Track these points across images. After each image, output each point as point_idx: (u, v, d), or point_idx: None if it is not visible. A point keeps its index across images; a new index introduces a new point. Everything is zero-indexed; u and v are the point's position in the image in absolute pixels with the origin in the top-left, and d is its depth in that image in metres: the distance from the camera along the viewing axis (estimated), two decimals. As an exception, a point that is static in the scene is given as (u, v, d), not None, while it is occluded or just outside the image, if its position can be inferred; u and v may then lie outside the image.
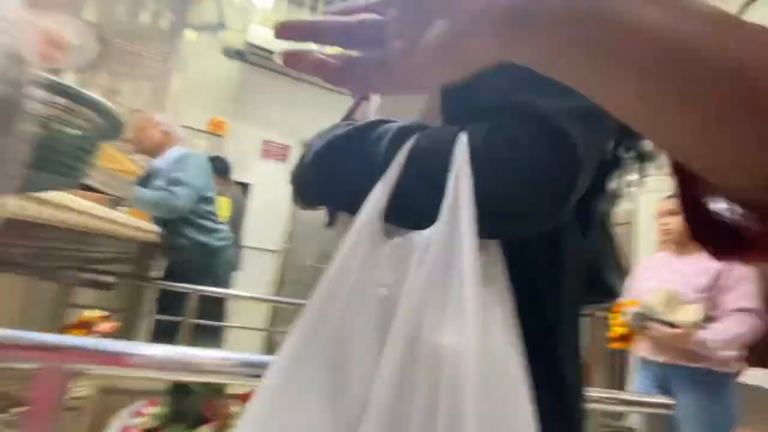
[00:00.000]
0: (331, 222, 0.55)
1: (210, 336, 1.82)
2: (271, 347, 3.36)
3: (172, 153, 1.82)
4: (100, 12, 3.19)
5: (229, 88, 3.45)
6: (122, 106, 3.17)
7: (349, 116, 0.56)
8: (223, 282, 1.92)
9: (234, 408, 1.11)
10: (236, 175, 3.25)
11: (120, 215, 1.12)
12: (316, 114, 3.65)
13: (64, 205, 0.82)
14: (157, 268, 2.05)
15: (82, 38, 3.05)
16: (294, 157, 3.52)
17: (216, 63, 3.44)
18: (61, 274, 1.06)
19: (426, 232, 0.27)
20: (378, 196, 0.28)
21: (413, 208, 0.30)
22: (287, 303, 2.01)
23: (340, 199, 0.38)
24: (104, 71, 3.14)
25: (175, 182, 1.66)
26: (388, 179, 0.29)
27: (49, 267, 1.03)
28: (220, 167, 2.70)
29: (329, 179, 0.37)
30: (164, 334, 1.76)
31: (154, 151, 1.83)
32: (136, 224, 1.34)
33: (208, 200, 1.84)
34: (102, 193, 1.29)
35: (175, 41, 3.30)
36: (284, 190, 3.15)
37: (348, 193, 0.35)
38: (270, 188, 3.44)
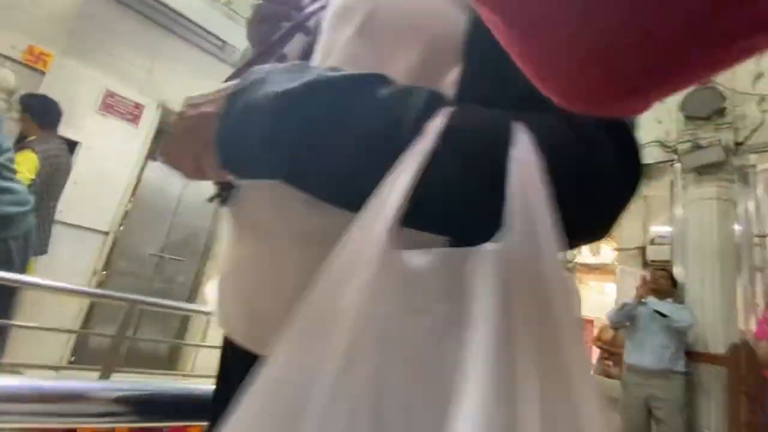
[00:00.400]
0: (223, 197, 0.39)
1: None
2: (81, 356, 2.63)
3: None
4: None
5: (65, 14, 2.63)
6: None
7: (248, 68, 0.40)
8: (17, 265, 1.38)
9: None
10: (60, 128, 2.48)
11: None
12: (187, 77, 3.09)
13: None
14: None
15: None
16: (148, 120, 2.90)
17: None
18: None
19: (493, 246, 0.17)
20: (396, 188, 0.18)
21: (451, 210, 0.22)
22: (110, 297, 1.54)
23: (315, 175, 0.26)
24: None
25: None
26: (412, 164, 0.18)
27: None
28: (41, 110, 2.00)
29: (304, 142, 0.25)
30: None
31: None
32: None
33: None
34: None
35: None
36: (126, 156, 2.63)
37: (334, 169, 0.25)
38: (106, 152, 2.74)
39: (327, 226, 0.25)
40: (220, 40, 3.13)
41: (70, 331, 2.42)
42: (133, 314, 1.50)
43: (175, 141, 0.31)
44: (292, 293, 0.22)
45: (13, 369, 1.45)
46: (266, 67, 0.29)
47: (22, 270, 1.40)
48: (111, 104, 2.75)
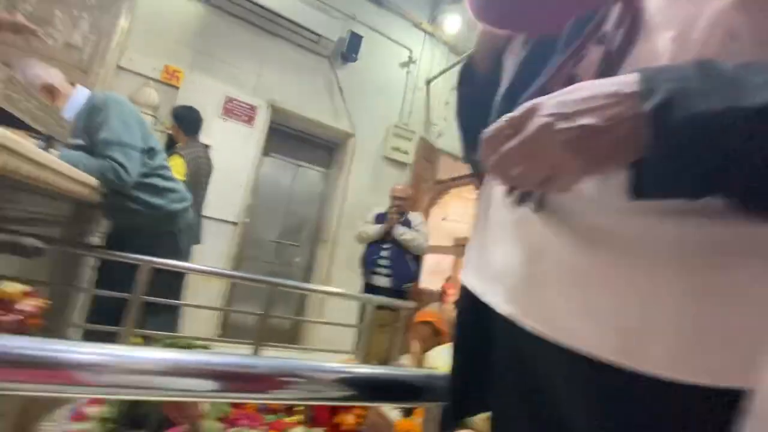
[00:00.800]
0: (523, 197, 0.39)
1: (164, 318, 1.55)
2: (226, 331, 3.09)
3: (77, 100, 1.42)
4: None
5: (191, 33, 3.01)
6: (55, 39, 2.63)
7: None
8: (184, 254, 1.64)
9: (206, 407, 0.91)
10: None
11: (57, 161, 0.84)
12: (290, 75, 3.32)
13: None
14: (97, 233, 1.72)
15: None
16: (261, 119, 3.20)
17: (178, 3, 2.97)
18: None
19: None
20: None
21: None
22: (253, 280, 1.74)
23: None
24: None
25: (105, 144, 1.32)
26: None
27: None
28: (187, 119, 2.35)
29: None
30: (104, 314, 1.47)
31: (54, 102, 1.43)
32: (77, 175, 1.05)
33: (151, 152, 1.50)
34: (32, 130, 0.98)
35: (123, -32, 2.77)
36: (245, 154, 2.89)
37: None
38: (230, 152, 3.09)
39: (729, 240, 0.26)
40: (316, 34, 3.26)
41: (224, 309, 2.86)
42: (273, 295, 1.69)
43: (524, 153, 0.30)
44: (675, 312, 0.25)
45: (190, 343, 1.77)
46: (686, 70, 0.26)
47: (187, 258, 1.67)
48: (230, 108, 3.08)
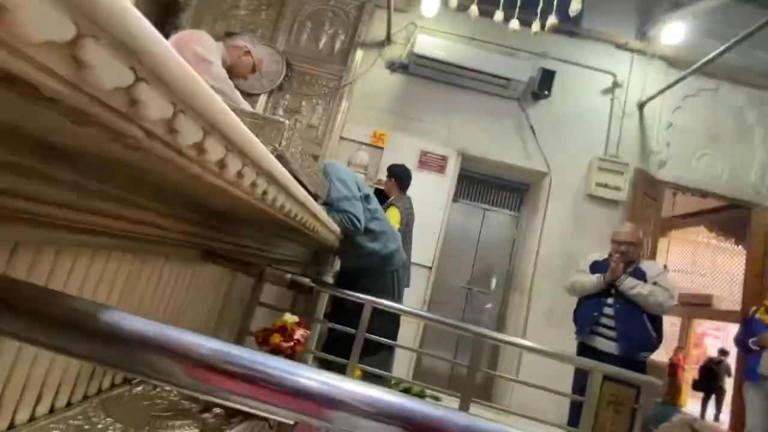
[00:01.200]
0: None
1: (381, 356, 1.66)
2: (418, 374, 3.14)
3: None
4: (289, 42, 3.61)
5: (392, 100, 3.48)
6: (301, 123, 3.50)
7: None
8: (399, 297, 1.76)
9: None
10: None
11: (324, 214, 1.02)
12: (479, 123, 3.39)
13: (289, 192, 0.70)
14: (330, 273, 2.03)
15: (276, 66, 3.49)
16: (451, 168, 3.33)
17: (381, 77, 3.51)
18: (257, 269, 1.02)
19: None
20: None
21: None
22: (461, 329, 1.64)
23: None
24: (288, 92, 3.51)
25: (337, 201, 1.56)
26: None
27: (248, 261, 0.96)
28: (402, 176, 2.69)
29: None
30: (338, 347, 1.67)
31: None
32: (330, 225, 1.25)
33: (367, 198, 1.71)
34: (305, 188, 1.24)
35: (347, 61, 3.50)
36: (437, 201, 2.93)
37: None
38: (424, 200, 3.28)
39: None
40: (504, 78, 3.26)
41: (453, 362, 2.92)
42: (478, 346, 1.60)
43: None
44: None
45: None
46: None
47: (401, 300, 1.78)
48: (424, 161, 3.33)
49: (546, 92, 3.32)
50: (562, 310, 3.03)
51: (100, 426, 0.81)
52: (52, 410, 0.84)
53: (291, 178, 0.68)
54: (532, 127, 3.36)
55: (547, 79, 3.31)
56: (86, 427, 0.79)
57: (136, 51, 0.27)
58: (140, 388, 1.03)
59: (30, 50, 0.22)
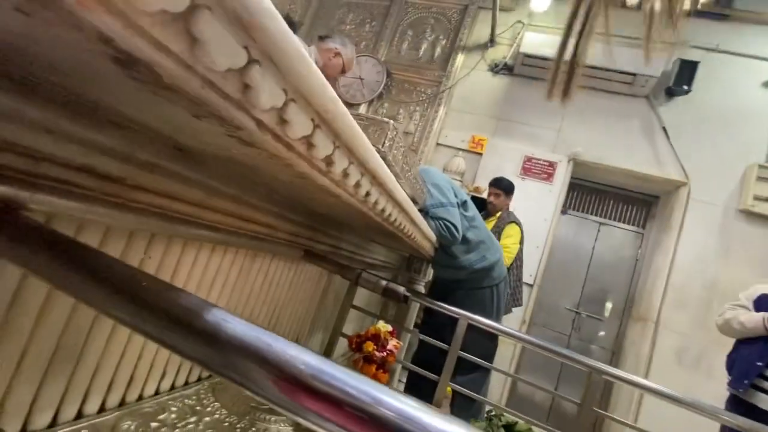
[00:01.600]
0: None
1: (475, 377, 1.53)
2: (512, 401, 2.87)
3: None
4: (390, 51, 3.69)
5: (494, 104, 3.30)
6: (396, 129, 3.54)
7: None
8: (500, 314, 1.62)
9: None
10: (492, 195, 3.02)
11: (421, 219, 0.97)
12: (595, 125, 3.01)
13: (392, 195, 0.66)
14: (421, 282, 1.97)
15: (377, 75, 3.60)
16: (560, 175, 3.01)
17: (483, 80, 3.36)
18: (353, 273, 1.01)
19: None
20: None
21: None
22: (571, 359, 1.37)
23: None
24: (387, 101, 3.59)
25: (433, 208, 1.47)
26: None
27: (346, 265, 0.94)
28: (511, 189, 2.59)
29: None
30: (427, 361, 1.59)
31: None
32: (428, 232, 1.19)
33: (465, 204, 1.58)
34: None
35: (446, 66, 3.44)
36: (542, 212, 2.63)
37: None
38: (526, 211, 3.02)
39: None
40: (629, 74, 2.84)
41: (550, 391, 2.69)
42: (595, 382, 1.36)
43: None
44: None
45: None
46: None
47: (501, 314, 1.63)
48: (528, 167, 3.07)
49: (685, 87, 2.79)
50: (699, 350, 2.49)
51: (209, 409, 0.87)
52: (173, 387, 0.94)
53: (395, 181, 0.63)
54: (664, 129, 2.85)
55: (686, 71, 2.78)
56: (197, 408, 0.86)
57: (251, 26, 0.24)
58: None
59: (144, 21, 0.20)
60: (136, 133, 0.58)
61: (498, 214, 2.58)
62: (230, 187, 0.82)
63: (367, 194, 0.57)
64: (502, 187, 2.58)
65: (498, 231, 2.48)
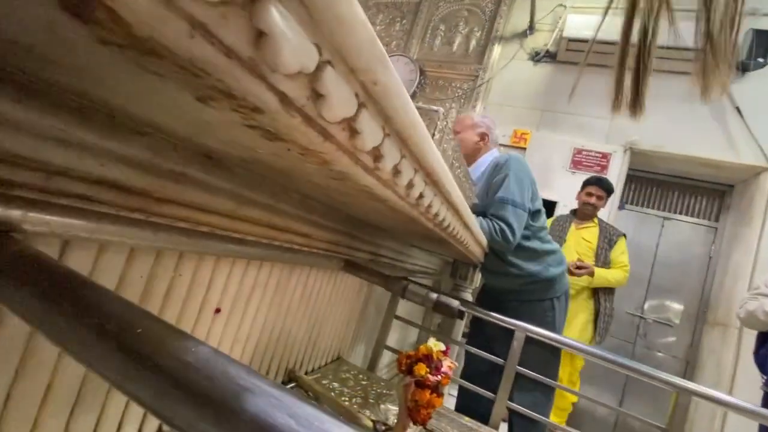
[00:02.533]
0: None
1: (537, 398, 1.37)
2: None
3: (486, 160, 1.50)
4: (422, 48, 3.58)
5: (536, 95, 3.09)
6: (447, 120, 3.41)
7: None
8: (559, 327, 1.45)
9: None
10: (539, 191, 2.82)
11: (477, 227, 0.85)
12: (655, 109, 2.73)
13: (448, 199, 0.55)
14: (469, 290, 1.83)
15: (410, 74, 3.50)
16: (615, 167, 2.75)
17: (523, 71, 3.16)
18: (399, 285, 0.91)
19: None
20: None
21: None
22: (647, 375, 1.16)
23: None
24: (421, 99, 3.47)
25: (500, 203, 1.31)
26: None
27: (390, 275, 0.84)
28: (612, 189, 2.38)
29: None
30: (476, 375, 1.45)
31: (469, 157, 1.53)
32: (480, 237, 1.06)
33: (536, 214, 1.42)
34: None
35: (482, 59, 3.27)
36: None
37: None
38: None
39: None
40: (692, 50, 2.54)
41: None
42: (681, 405, 1.16)
43: None
44: None
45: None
46: None
47: (561, 329, 1.47)
48: (579, 160, 2.83)
49: (761, 60, 2.45)
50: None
51: None
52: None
53: (452, 180, 0.52)
54: (738, 109, 2.52)
55: (762, 42, 2.45)
56: None
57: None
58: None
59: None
60: (158, 141, 0.51)
61: (595, 221, 2.37)
62: (262, 195, 0.75)
63: (421, 196, 0.47)
64: (606, 187, 2.33)
65: (608, 243, 2.28)
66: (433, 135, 0.64)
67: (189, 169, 0.58)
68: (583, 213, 2.37)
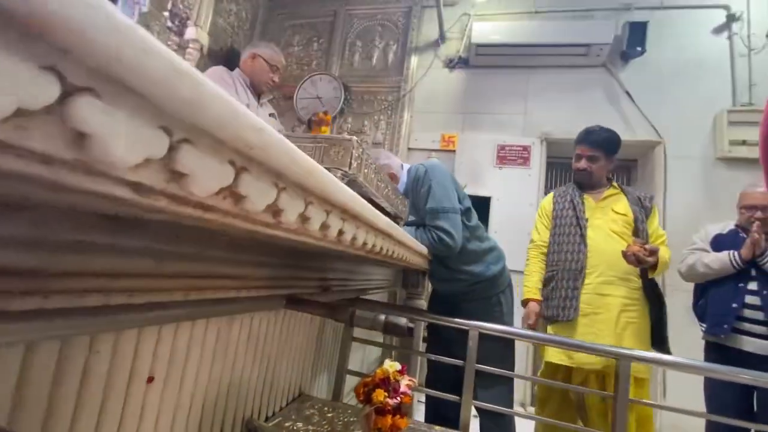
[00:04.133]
0: None
1: (498, 391, 1.41)
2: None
3: (404, 177, 1.52)
4: (343, 65, 3.62)
5: (456, 100, 3.26)
6: (366, 142, 3.45)
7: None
8: (508, 316, 1.51)
9: None
10: (473, 189, 2.95)
11: (414, 241, 0.86)
12: (559, 102, 2.99)
13: (368, 222, 0.55)
14: (422, 297, 1.85)
15: (334, 92, 3.52)
16: (536, 157, 2.96)
17: (440, 78, 3.32)
18: (346, 313, 0.89)
19: None
20: None
21: None
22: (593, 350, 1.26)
23: None
24: (350, 115, 3.50)
25: (431, 213, 1.34)
26: None
27: (336, 305, 0.83)
28: (608, 142, 1.81)
29: None
30: (440, 380, 1.47)
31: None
32: (419, 249, 1.08)
33: (468, 213, 1.46)
34: (387, 213, 1.10)
35: (402, 70, 3.38)
36: (527, 198, 2.55)
37: None
38: (510, 199, 2.96)
39: None
40: (582, 46, 2.84)
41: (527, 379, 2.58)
42: (623, 372, 1.27)
43: None
44: None
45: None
46: None
47: (511, 320, 1.53)
48: (504, 155, 3.02)
49: (638, 49, 2.80)
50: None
51: None
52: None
53: (373, 210, 0.52)
54: (628, 93, 2.85)
55: (637, 33, 2.80)
56: None
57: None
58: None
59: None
60: (43, 212, 0.46)
61: (616, 185, 1.79)
62: (184, 245, 0.70)
63: (341, 233, 0.46)
64: (596, 141, 1.74)
65: (643, 211, 1.70)
66: (350, 165, 0.63)
67: (90, 236, 0.53)
68: (580, 184, 1.82)
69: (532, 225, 2.05)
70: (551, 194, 1.97)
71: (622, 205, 1.73)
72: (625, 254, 1.54)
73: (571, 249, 1.75)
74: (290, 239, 0.39)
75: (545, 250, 1.90)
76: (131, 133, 0.17)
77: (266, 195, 0.28)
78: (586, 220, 1.74)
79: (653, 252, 1.51)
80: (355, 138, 0.64)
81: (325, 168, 0.69)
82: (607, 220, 1.71)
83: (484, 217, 2.95)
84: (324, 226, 0.41)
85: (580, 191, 1.83)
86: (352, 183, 0.67)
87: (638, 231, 1.68)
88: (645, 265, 1.55)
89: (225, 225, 0.30)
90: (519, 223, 2.89)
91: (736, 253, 1.74)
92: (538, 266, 1.89)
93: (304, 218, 0.36)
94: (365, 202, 0.49)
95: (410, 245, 0.87)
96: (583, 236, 1.72)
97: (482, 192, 2.99)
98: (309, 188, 0.34)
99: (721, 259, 1.77)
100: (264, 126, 0.25)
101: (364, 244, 0.56)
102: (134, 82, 0.16)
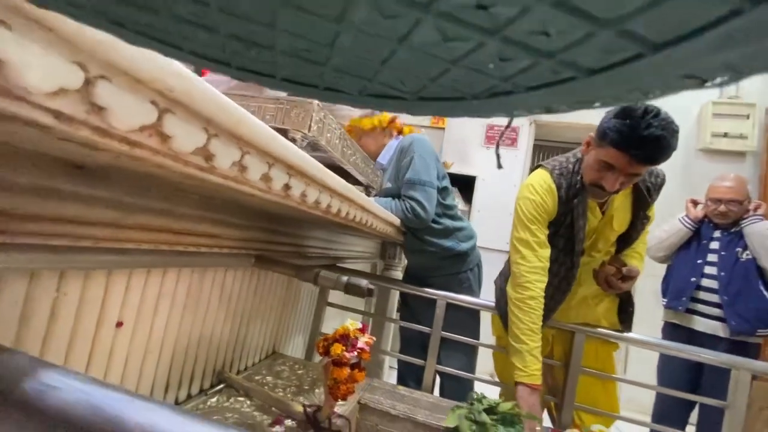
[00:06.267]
0: None
1: (459, 358, 1.50)
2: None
3: (392, 147, 1.55)
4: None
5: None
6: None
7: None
8: (476, 292, 1.58)
9: None
10: (459, 168, 2.98)
11: (379, 207, 0.90)
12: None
13: (319, 181, 0.59)
14: (399, 269, 1.92)
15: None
16: (524, 139, 2.99)
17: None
18: (311, 273, 0.94)
19: None
20: None
21: None
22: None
23: None
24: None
25: (409, 184, 1.38)
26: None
27: (302, 266, 0.87)
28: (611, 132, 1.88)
29: None
30: (411, 345, 1.55)
31: (374, 154, 1.56)
32: (388, 217, 1.12)
33: (444, 191, 1.51)
34: (356, 182, 1.13)
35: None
36: (512, 178, 2.57)
37: None
38: (495, 179, 3.01)
39: None
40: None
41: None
42: (580, 342, 1.35)
43: None
44: None
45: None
46: None
47: (479, 295, 1.60)
48: (492, 135, 3.04)
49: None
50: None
51: None
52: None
53: (321, 167, 0.56)
54: (618, 79, 2.86)
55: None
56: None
57: None
58: (215, 399, 1.02)
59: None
60: (9, 156, 0.48)
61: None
62: (152, 200, 0.73)
63: (287, 187, 0.50)
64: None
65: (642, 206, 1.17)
66: (309, 127, 0.66)
67: (54, 182, 0.56)
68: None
69: (514, 204, 1.86)
70: (551, 185, 1.24)
71: (623, 216, 1.23)
72: (596, 274, 1.24)
73: (556, 273, 1.25)
74: (233, 188, 0.42)
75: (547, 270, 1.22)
76: (45, 65, 0.20)
77: (194, 137, 0.32)
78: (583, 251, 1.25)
79: (629, 278, 1.18)
80: (317, 102, 0.66)
81: (284, 128, 0.71)
82: (605, 242, 1.25)
83: (468, 196, 3.00)
84: (266, 178, 0.44)
85: (584, 195, 1.20)
86: (314, 146, 0.70)
87: (628, 240, 1.26)
88: (614, 292, 1.26)
89: (160, 166, 0.33)
90: (503, 203, 2.95)
91: (685, 217, 1.95)
92: (539, 320, 1.21)
93: (241, 167, 0.39)
94: (314, 160, 0.52)
95: (375, 212, 0.91)
96: (574, 271, 1.24)
97: (467, 170, 3.02)
98: (243, 137, 0.37)
99: (672, 224, 1.95)
100: (188, 73, 0.28)
101: (317, 202, 0.59)
102: (47, 21, 0.19)
